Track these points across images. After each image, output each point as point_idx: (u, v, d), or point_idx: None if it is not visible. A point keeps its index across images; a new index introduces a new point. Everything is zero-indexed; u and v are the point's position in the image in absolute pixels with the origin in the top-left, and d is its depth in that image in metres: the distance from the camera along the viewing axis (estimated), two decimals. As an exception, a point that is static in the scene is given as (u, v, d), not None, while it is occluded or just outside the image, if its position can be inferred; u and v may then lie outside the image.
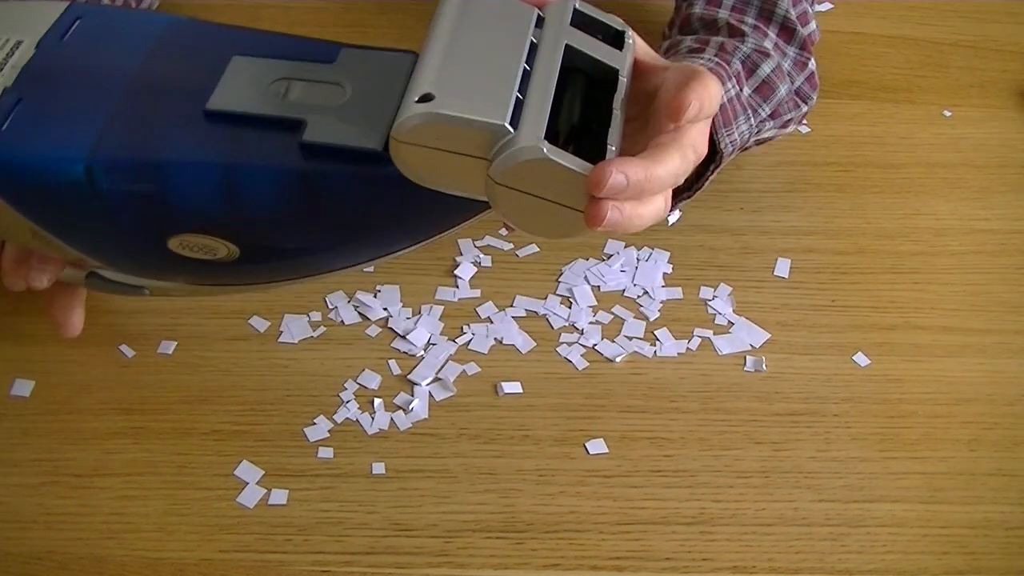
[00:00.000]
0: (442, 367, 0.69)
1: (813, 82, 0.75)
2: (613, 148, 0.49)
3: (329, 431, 0.66)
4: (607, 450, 0.66)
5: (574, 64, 0.52)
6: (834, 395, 0.70)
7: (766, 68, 0.71)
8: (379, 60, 0.53)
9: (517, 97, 0.48)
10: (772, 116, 0.72)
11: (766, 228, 0.78)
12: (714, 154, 0.67)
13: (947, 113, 0.85)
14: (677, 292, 0.74)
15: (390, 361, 0.70)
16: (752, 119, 0.70)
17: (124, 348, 0.70)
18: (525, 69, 0.50)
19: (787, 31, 0.74)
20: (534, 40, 0.52)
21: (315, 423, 0.67)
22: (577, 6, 0.54)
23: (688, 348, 0.71)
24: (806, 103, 0.75)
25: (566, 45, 0.52)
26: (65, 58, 0.53)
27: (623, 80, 0.52)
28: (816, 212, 0.79)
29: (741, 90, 0.70)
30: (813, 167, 0.81)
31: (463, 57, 0.50)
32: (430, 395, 0.68)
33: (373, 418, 0.67)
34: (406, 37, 0.87)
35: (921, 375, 0.71)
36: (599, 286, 0.74)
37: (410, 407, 0.68)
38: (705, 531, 0.64)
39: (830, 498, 0.65)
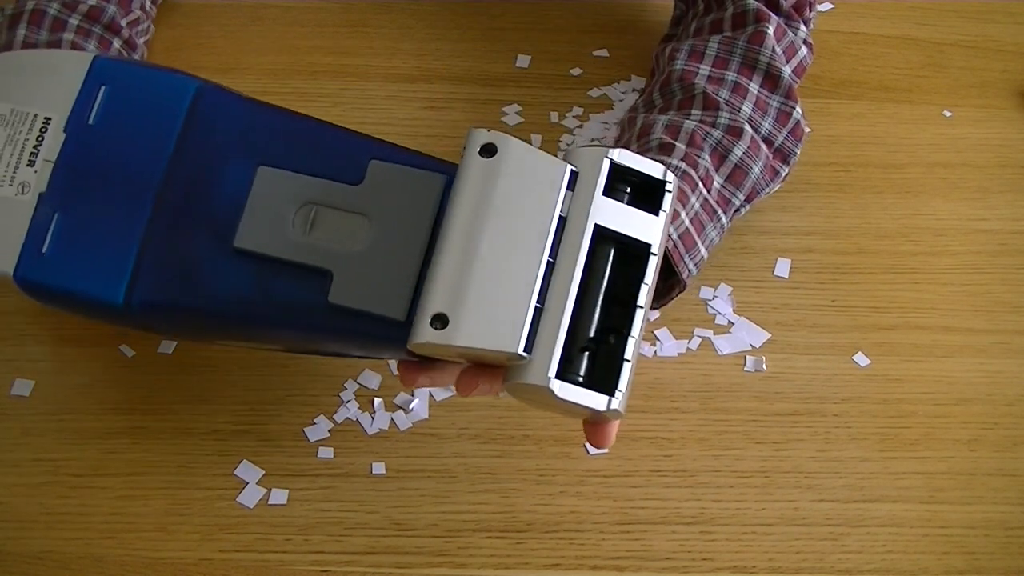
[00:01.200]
0: (442, 367, 0.69)
1: (798, 133, 0.73)
2: (629, 360, 0.49)
3: (329, 431, 0.66)
4: (607, 450, 0.66)
5: (604, 237, 0.50)
6: (834, 395, 0.70)
7: (737, 152, 0.69)
8: (408, 182, 0.51)
9: (536, 307, 0.48)
10: (748, 199, 0.71)
11: (766, 228, 0.78)
12: (676, 279, 0.67)
13: (947, 113, 0.85)
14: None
15: (390, 361, 0.70)
16: (723, 217, 0.69)
17: (124, 348, 0.70)
18: (549, 262, 0.48)
19: (771, 79, 0.72)
20: (562, 215, 0.49)
21: (315, 423, 0.67)
22: (615, 159, 0.50)
23: (688, 348, 0.71)
24: (787, 163, 0.73)
25: (595, 226, 0.49)
26: (94, 152, 0.52)
27: (653, 258, 0.50)
28: (816, 212, 0.79)
29: (709, 189, 0.68)
30: (813, 167, 0.81)
31: (480, 256, 0.48)
32: (430, 395, 0.68)
33: (373, 418, 0.67)
34: (406, 37, 0.87)
35: (921, 375, 0.71)
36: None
37: (410, 407, 0.68)
38: (705, 531, 0.64)
39: (830, 498, 0.65)
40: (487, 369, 0.53)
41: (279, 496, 0.64)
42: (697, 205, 0.67)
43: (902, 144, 0.83)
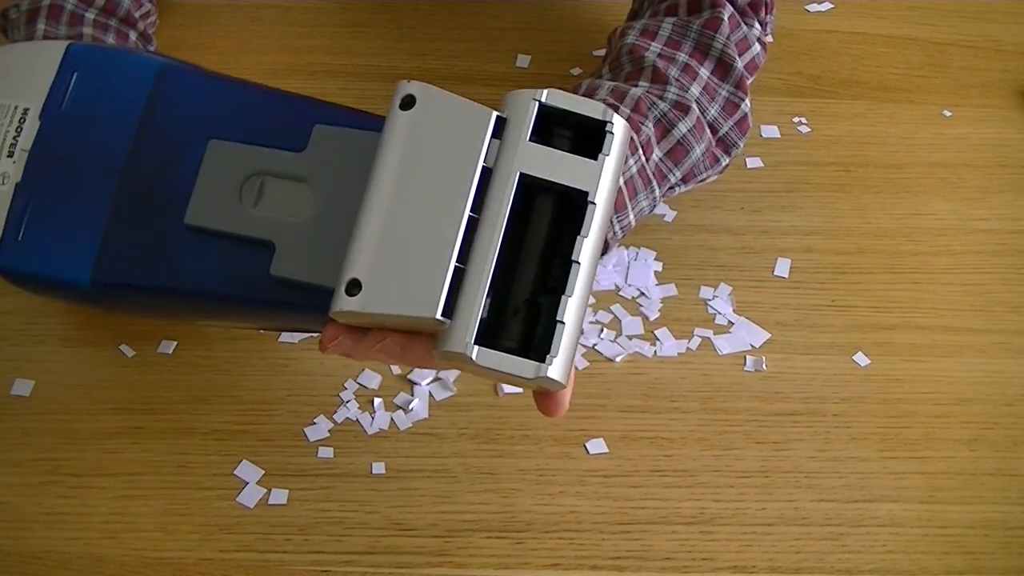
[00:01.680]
0: (442, 367, 0.70)
1: (744, 126, 0.71)
2: (564, 322, 0.45)
3: (329, 431, 0.66)
4: (607, 450, 0.66)
5: (537, 188, 0.47)
6: (834, 395, 0.70)
7: (682, 128, 0.68)
8: (351, 145, 0.50)
9: (457, 267, 0.45)
10: (684, 180, 0.70)
11: (766, 228, 0.78)
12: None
13: (947, 113, 0.85)
14: (671, 289, 0.74)
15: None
16: (657, 191, 0.68)
17: (124, 348, 0.70)
18: (471, 217, 0.46)
19: (723, 67, 0.71)
20: (487, 165, 0.46)
21: (315, 423, 0.67)
22: (543, 100, 0.46)
23: (688, 348, 0.71)
24: (728, 154, 0.72)
25: (520, 175, 0.46)
26: (65, 138, 0.54)
27: (593, 206, 0.46)
28: (816, 212, 0.79)
29: (648, 159, 0.67)
30: (813, 167, 0.81)
31: (399, 214, 0.46)
32: (430, 395, 0.68)
33: (373, 418, 0.67)
34: (406, 37, 0.87)
35: (921, 375, 0.71)
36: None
37: (410, 407, 0.68)
38: (705, 531, 0.64)
39: (830, 498, 0.65)
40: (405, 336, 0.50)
41: (279, 496, 0.64)
42: (634, 169, 0.66)
43: (902, 144, 0.83)
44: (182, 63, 0.55)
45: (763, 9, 0.74)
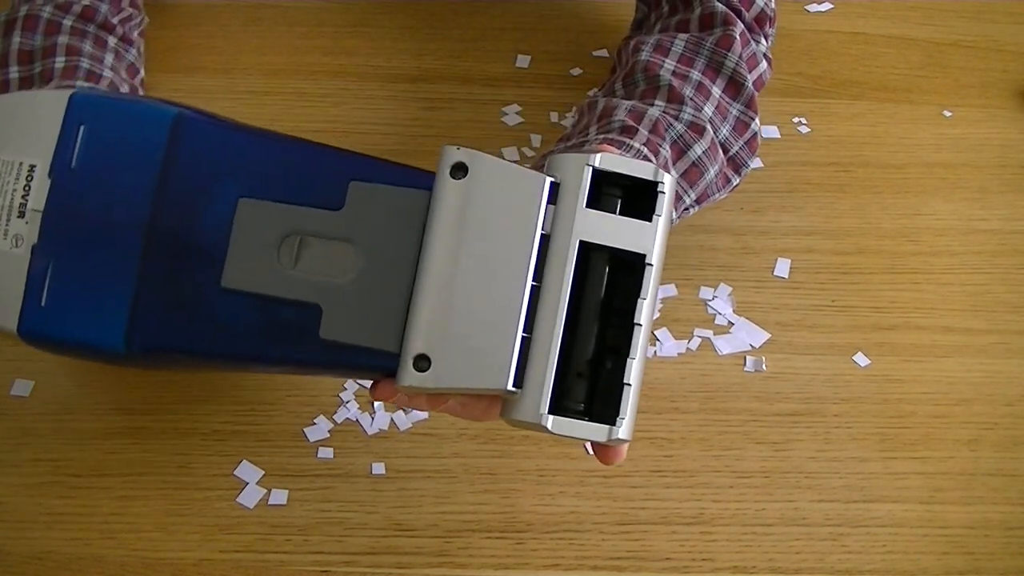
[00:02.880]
0: (442, 367, 0.69)
1: (753, 145, 0.72)
2: (630, 384, 0.46)
3: (329, 431, 0.66)
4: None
5: (594, 252, 0.47)
6: (834, 395, 0.70)
7: (697, 150, 0.68)
8: (391, 203, 0.50)
9: (524, 337, 0.46)
10: (698, 200, 0.70)
11: (766, 228, 0.78)
12: None
13: (947, 113, 0.85)
14: (671, 289, 0.74)
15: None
16: (673, 212, 0.67)
17: (124, 348, 0.70)
18: (534, 286, 0.46)
19: (735, 86, 0.71)
20: (545, 232, 0.47)
21: (315, 423, 0.67)
22: (597, 165, 0.47)
23: (688, 348, 0.71)
24: (739, 174, 0.72)
25: (580, 243, 0.47)
26: (80, 196, 0.52)
27: (649, 269, 0.47)
28: (816, 212, 0.79)
29: None
30: (813, 167, 0.81)
31: (460, 287, 0.46)
32: (430, 395, 0.68)
33: (373, 418, 0.67)
34: (406, 37, 0.87)
35: (921, 375, 0.71)
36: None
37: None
38: (705, 531, 0.64)
39: (830, 498, 0.65)
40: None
41: (279, 496, 0.64)
42: None
43: (902, 144, 0.83)
44: (195, 111, 0.53)
45: (767, 23, 0.74)
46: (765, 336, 0.72)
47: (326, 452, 0.66)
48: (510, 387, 0.45)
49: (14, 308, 0.51)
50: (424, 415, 0.67)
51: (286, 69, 0.85)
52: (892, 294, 0.75)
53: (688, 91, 0.69)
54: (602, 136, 0.66)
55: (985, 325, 0.73)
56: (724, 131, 0.70)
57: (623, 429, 0.46)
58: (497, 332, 0.46)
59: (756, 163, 0.81)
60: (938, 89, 0.87)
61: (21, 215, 0.52)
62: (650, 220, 0.47)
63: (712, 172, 0.69)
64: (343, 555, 0.62)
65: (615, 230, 0.47)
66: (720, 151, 0.70)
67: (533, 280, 0.46)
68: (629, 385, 0.46)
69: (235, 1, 0.90)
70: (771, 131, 0.83)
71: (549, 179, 0.47)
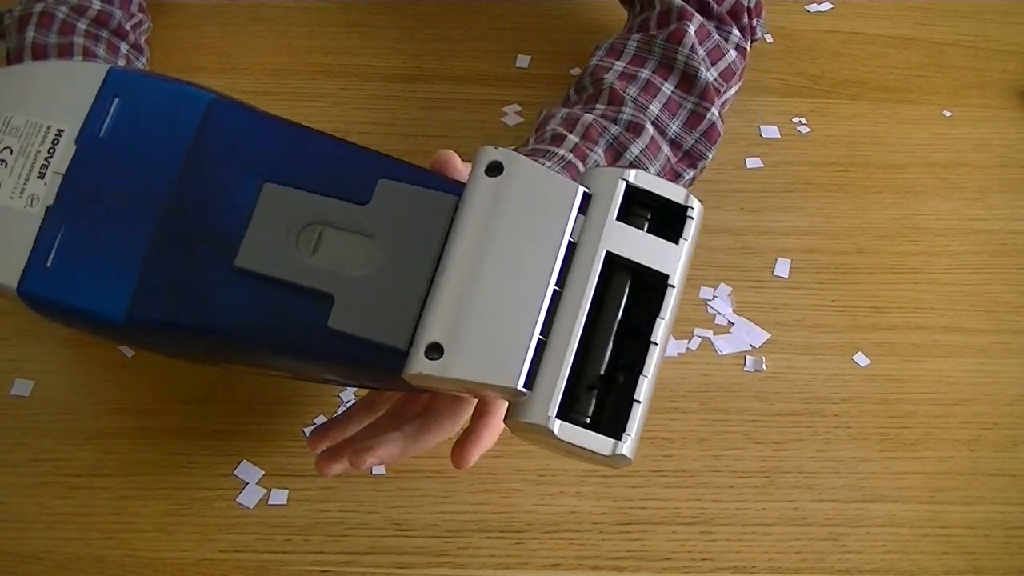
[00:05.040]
0: (442, 367, 0.69)
1: (713, 135, 0.71)
2: (640, 401, 0.46)
3: (329, 431, 0.66)
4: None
5: (618, 266, 0.47)
6: (834, 395, 0.70)
7: (634, 150, 0.68)
8: (417, 204, 0.49)
9: (540, 340, 0.45)
10: None
11: (766, 228, 0.78)
12: None
13: (947, 113, 0.85)
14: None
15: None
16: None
17: (124, 348, 0.70)
18: (555, 291, 0.46)
19: (687, 80, 0.71)
20: (572, 240, 0.47)
21: (315, 423, 0.67)
22: (631, 180, 0.47)
23: (688, 348, 0.71)
24: (695, 167, 0.72)
25: (607, 253, 0.46)
26: (103, 165, 0.51)
27: (671, 291, 0.47)
28: (816, 212, 0.79)
29: None
30: (813, 167, 0.81)
31: (483, 281, 0.46)
32: (430, 395, 0.68)
33: (373, 418, 0.67)
34: (406, 37, 0.87)
35: (921, 375, 0.71)
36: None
37: (410, 407, 0.67)
38: (705, 531, 0.64)
39: (830, 498, 0.65)
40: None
41: (279, 496, 0.64)
42: None
43: (902, 144, 0.83)
44: (232, 99, 0.53)
45: (745, 15, 0.74)
46: (765, 336, 0.72)
47: (326, 452, 0.66)
48: (520, 386, 0.45)
49: (17, 266, 0.51)
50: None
51: (286, 69, 0.85)
52: (892, 294, 0.75)
53: (632, 91, 0.70)
54: (531, 147, 0.68)
55: (985, 325, 0.73)
56: (674, 127, 0.70)
57: (627, 446, 0.45)
58: (514, 331, 0.45)
59: (756, 163, 0.81)
60: (938, 89, 0.87)
61: (41, 176, 0.51)
62: (676, 243, 0.47)
63: (653, 171, 0.69)
64: (343, 555, 0.62)
65: (642, 247, 0.47)
66: (665, 148, 0.70)
67: (556, 285, 0.46)
68: (639, 402, 0.46)
69: (235, 1, 0.90)
70: (771, 131, 0.83)
71: (583, 189, 0.47)
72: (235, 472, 0.65)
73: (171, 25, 0.87)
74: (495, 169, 0.47)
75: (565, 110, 0.70)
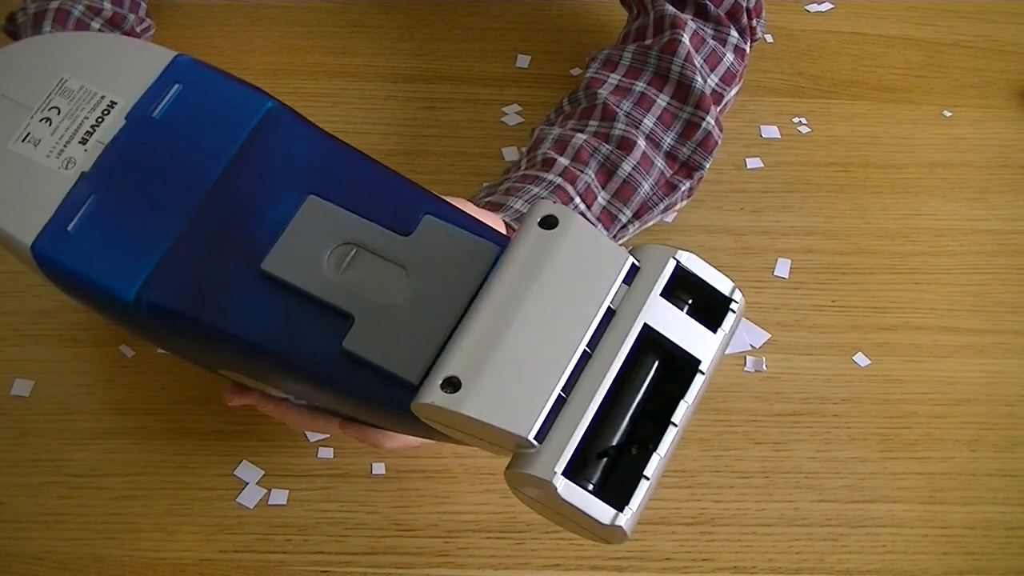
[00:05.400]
0: (442, 367, 0.69)
1: (709, 143, 0.71)
2: (649, 478, 0.44)
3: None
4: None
5: (651, 341, 0.46)
6: (834, 395, 0.70)
7: (627, 167, 0.68)
8: (458, 247, 0.48)
9: (560, 396, 0.43)
10: (637, 215, 0.70)
11: (766, 228, 0.78)
12: None
13: (947, 113, 0.85)
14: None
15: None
16: (604, 234, 0.67)
17: (124, 348, 0.70)
18: (586, 352, 0.44)
19: (683, 89, 0.71)
20: (612, 307, 0.45)
21: (315, 423, 0.67)
22: (682, 261, 0.46)
23: (688, 348, 0.71)
24: (691, 177, 0.71)
25: (644, 325, 0.45)
26: (149, 146, 0.51)
27: (699, 377, 0.45)
28: (816, 212, 0.79)
29: (590, 205, 0.68)
30: (813, 167, 0.81)
31: (513, 328, 0.44)
32: (430, 395, 0.68)
33: (373, 418, 0.67)
34: (406, 37, 0.87)
35: (921, 375, 0.71)
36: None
37: (410, 407, 0.67)
38: (705, 531, 0.64)
39: (830, 498, 0.65)
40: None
41: (279, 496, 0.64)
42: None
43: (902, 144, 0.83)
44: (292, 110, 0.53)
45: (744, 15, 0.74)
46: (765, 336, 0.72)
47: (326, 452, 0.66)
48: (531, 437, 0.43)
49: (36, 224, 0.50)
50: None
51: (286, 69, 0.85)
52: (892, 294, 0.75)
53: (625, 106, 0.70)
54: (522, 173, 0.68)
55: (985, 325, 0.73)
56: (669, 140, 0.70)
57: (627, 519, 0.43)
58: (536, 382, 0.44)
59: (756, 163, 0.81)
60: (938, 89, 0.87)
61: (83, 142, 0.51)
62: (714, 331, 0.46)
63: (647, 186, 0.69)
64: (343, 555, 0.62)
65: (679, 327, 0.46)
66: (659, 162, 0.70)
67: (587, 346, 0.45)
68: (647, 479, 0.44)
69: (235, 1, 0.90)
70: (771, 131, 0.83)
71: (632, 260, 0.46)
72: (235, 472, 0.65)
73: (171, 25, 0.87)
74: (548, 223, 0.46)
75: (558, 130, 0.70)
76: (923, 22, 0.92)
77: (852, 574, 0.63)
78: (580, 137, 0.69)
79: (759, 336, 0.72)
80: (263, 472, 0.65)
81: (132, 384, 0.68)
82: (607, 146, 0.69)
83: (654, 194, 0.69)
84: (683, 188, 0.71)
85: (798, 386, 0.70)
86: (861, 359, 0.71)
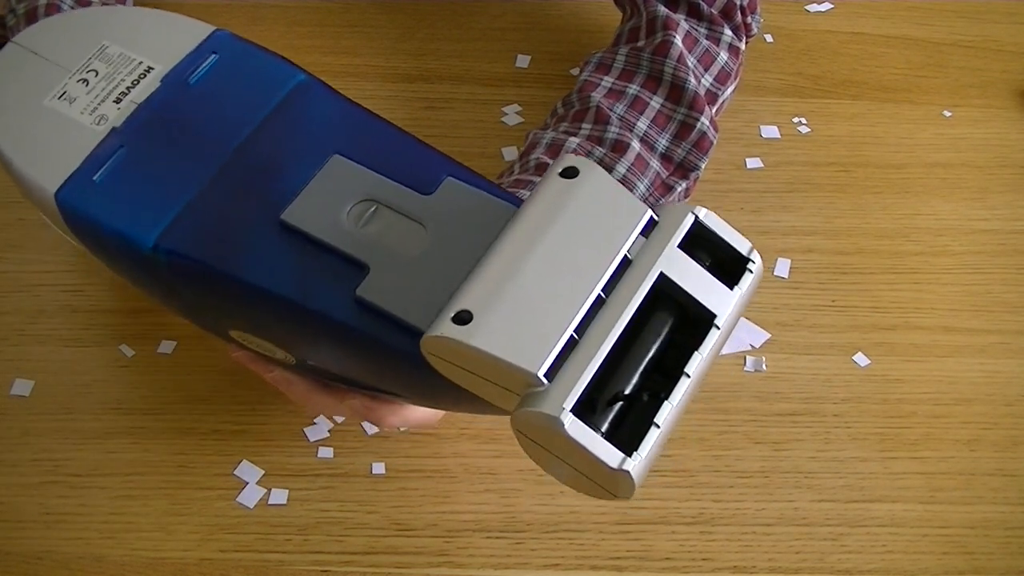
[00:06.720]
0: (442, 367, 0.69)
1: (705, 144, 0.71)
2: (659, 426, 0.43)
3: (329, 431, 0.66)
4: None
5: (668, 294, 0.45)
6: (834, 395, 0.70)
7: (620, 169, 0.68)
8: (478, 206, 0.49)
9: (572, 337, 0.43)
10: None
11: (766, 228, 0.78)
12: None
13: (947, 113, 0.85)
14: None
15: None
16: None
17: (124, 348, 0.70)
18: (600, 296, 0.44)
19: (676, 91, 0.71)
20: (628, 256, 0.45)
21: (315, 423, 0.67)
22: (701, 217, 0.46)
23: (688, 348, 0.71)
24: (687, 178, 0.71)
25: (660, 274, 0.45)
26: (181, 109, 0.52)
27: (715, 330, 0.45)
28: (816, 212, 0.79)
29: None
30: (813, 167, 0.81)
31: (528, 269, 0.44)
32: (430, 395, 0.68)
33: (373, 418, 0.67)
34: (406, 37, 0.87)
35: (921, 375, 0.71)
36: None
37: (410, 407, 0.67)
38: (705, 531, 0.64)
39: (830, 498, 0.65)
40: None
41: (279, 496, 0.64)
42: None
43: (902, 144, 0.83)
44: (322, 82, 0.54)
45: (738, 13, 0.74)
46: (765, 336, 0.72)
47: (326, 452, 0.66)
48: (541, 374, 0.42)
49: (63, 172, 0.51)
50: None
51: (286, 69, 0.85)
52: (892, 294, 0.75)
53: (619, 109, 0.70)
54: (515, 178, 0.68)
55: (985, 325, 0.73)
56: (663, 142, 0.70)
57: (636, 465, 0.42)
58: (548, 321, 0.43)
59: (756, 163, 0.81)
60: (938, 89, 0.87)
61: (117, 101, 0.53)
62: (731, 288, 0.46)
63: (642, 187, 0.69)
64: (343, 555, 0.62)
65: (697, 280, 0.45)
66: (654, 164, 0.70)
67: (602, 291, 0.45)
68: (658, 427, 0.43)
69: (235, 1, 0.90)
70: (771, 131, 0.83)
71: (650, 212, 0.47)
72: (235, 472, 0.65)
73: (171, 25, 0.87)
74: (569, 173, 0.47)
75: (551, 134, 0.70)
76: (923, 22, 0.92)
77: (852, 574, 0.63)
78: (573, 141, 0.69)
79: (759, 336, 0.72)
80: (263, 472, 0.65)
81: (132, 384, 0.68)
82: (600, 149, 0.69)
83: (650, 195, 0.69)
84: (679, 189, 0.71)
85: (798, 386, 0.70)
86: (861, 359, 0.71)
